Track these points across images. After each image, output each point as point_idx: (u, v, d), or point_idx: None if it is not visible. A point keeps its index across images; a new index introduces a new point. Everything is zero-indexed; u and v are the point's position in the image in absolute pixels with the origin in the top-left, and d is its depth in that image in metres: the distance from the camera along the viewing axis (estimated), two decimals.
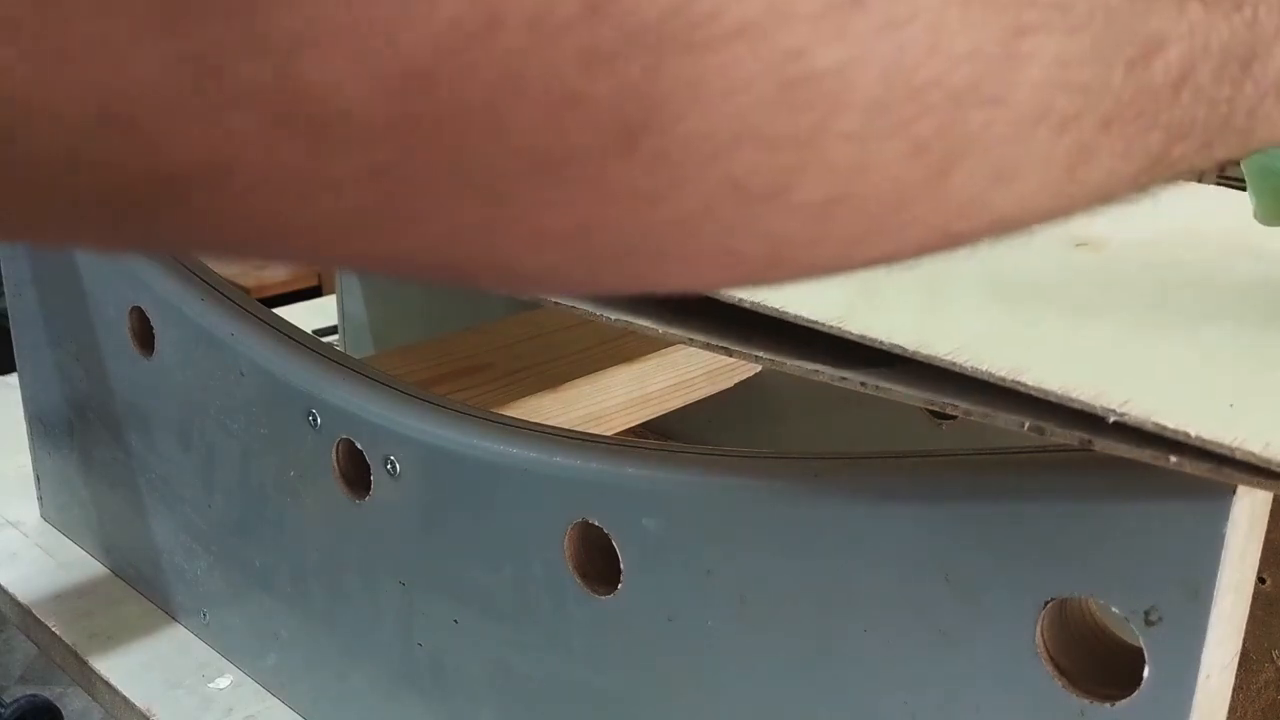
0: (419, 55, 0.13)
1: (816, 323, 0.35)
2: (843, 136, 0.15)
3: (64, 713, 1.32)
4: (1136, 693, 0.31)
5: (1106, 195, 0.20)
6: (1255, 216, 0.40)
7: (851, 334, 0.34)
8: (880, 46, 0.15)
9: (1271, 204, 0.40)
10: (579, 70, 0.13)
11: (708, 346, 0.37)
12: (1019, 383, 0.31)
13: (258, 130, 0.13)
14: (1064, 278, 0.39)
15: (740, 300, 0.36)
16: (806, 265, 0.18)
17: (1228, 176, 0.48)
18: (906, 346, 0.33)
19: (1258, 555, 0.31)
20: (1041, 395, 0.30)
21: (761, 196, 0.16)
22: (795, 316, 0.35)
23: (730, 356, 0.37)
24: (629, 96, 0.14)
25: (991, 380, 0.31)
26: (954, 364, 0.32)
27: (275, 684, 0.61)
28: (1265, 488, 0.28)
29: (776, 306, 0.35)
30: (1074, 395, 0.30)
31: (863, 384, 0.34)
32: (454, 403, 0.49)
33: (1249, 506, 0.30)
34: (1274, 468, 0.27)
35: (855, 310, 0.35)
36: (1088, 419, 0.30)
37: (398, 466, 0.49)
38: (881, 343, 0.33)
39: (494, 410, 0.51)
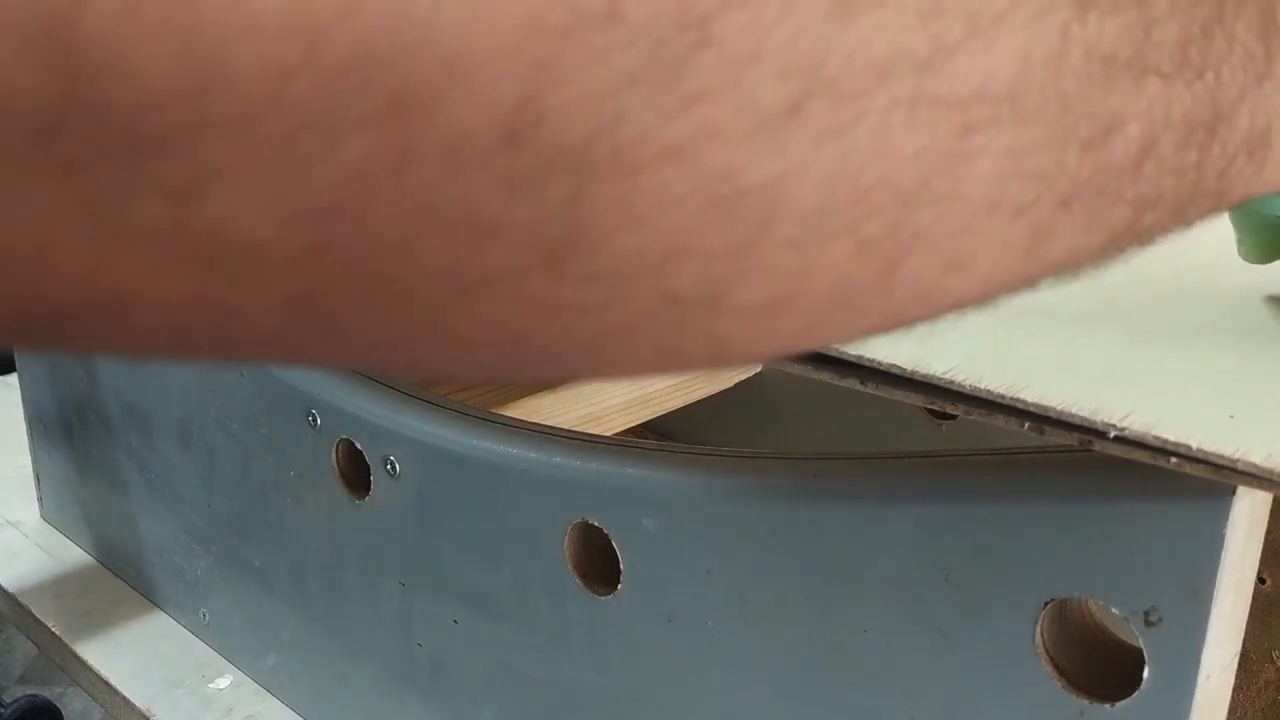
0: (324, 193, 0.12)
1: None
2: (782, 243, 0.15)
3: (64, 713, 1.32)
4: (1136, 693, 0.31)
5: (1072, 267, 0.20)
6: (1240, 254, 0.39)
7: (849, 355, 0.34)
8: (820, 155, 0.14)
9: (1256, 242, 0.39)
10: (498, 198, 0.13)
11: None
12: (1019, 399, 0.31)
13: (155, 267, 0.13)
14: (1059, 292, 0.39)
15: None
16: (752, 357, 0.17)
17: None
18: (905, 366, 0.33)
19: (1258, 555, 0.31)
20: (1041, 411, 0.30)
21: (699, 304, 0.15)
22: None
23: None
24: (552, 221, 0.13)
25: (990, 398, 0.31)
26: (952, 382, 0.32)
27: (275, 684, 0.61)
28: (1266, 489, 0.28)
29: None
30: (1074, 410, 0.30)
31: (862, 383, 0.34)
32: (454, 403, 0.49)
33: (1249, 507, 0.30)
34: (1275, 477, 0.27)
35: None
36: (1089, 432, 0.30)
37: (397, 466, 0.49)
38: (879, 363, 0.33)
39: (494, 410, 0.51)
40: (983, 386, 0.32)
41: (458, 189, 0.13)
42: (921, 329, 0.19)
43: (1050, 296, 0.39)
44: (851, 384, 0.34)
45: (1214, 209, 0.22)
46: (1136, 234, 0.20)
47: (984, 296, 0.19)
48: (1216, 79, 0.19)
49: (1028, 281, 0.19)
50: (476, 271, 0.14)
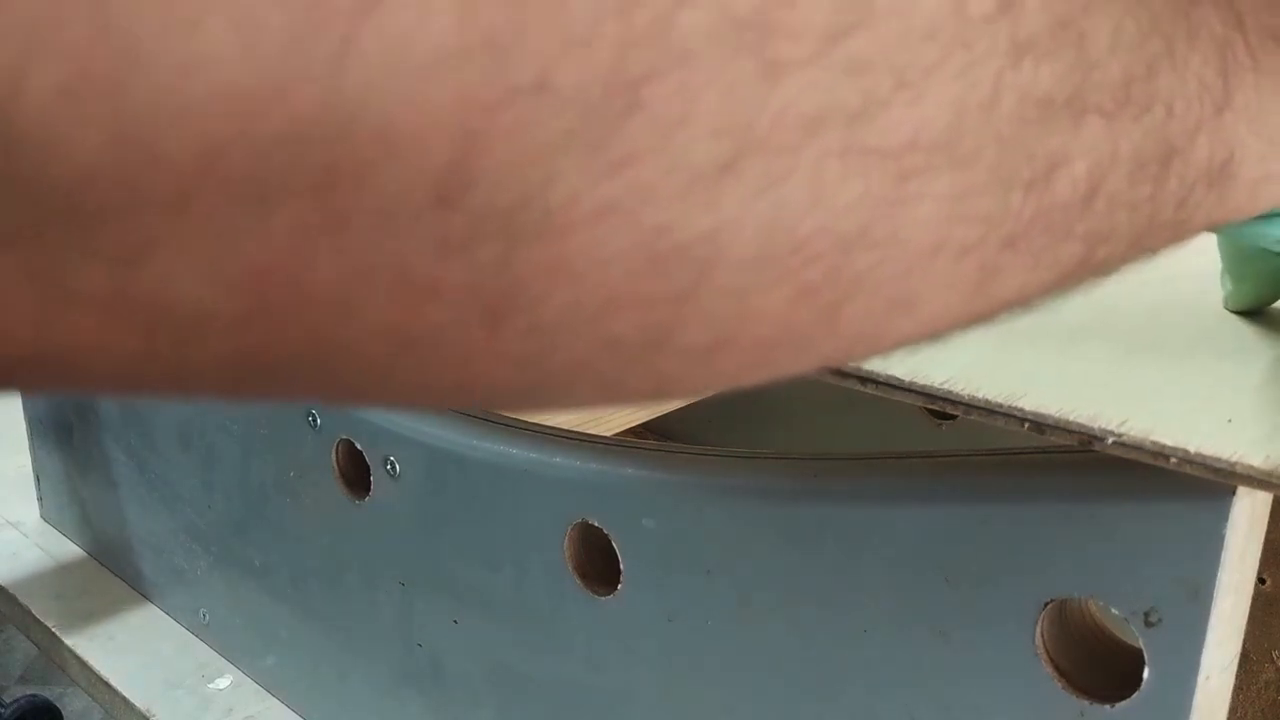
0: (262, 257, 0.13)
1: None
2: (722, 291, 0.15)
3: (64, 713, 1.32)
4: (1136, 694, 0.31)
5: (1024, 302, 0.20)
6: (1225, 304, 0.39)
7: (846, 366, 0.34)
8: (756, 208, 0.14)
9: (1249, 290, 0.38)
10: (431, 259, 0.13)
11: None
12: (1016, 408, 0.31)
13: (101, 329, 0.13)
14: (1056, 301, 0.39)
15: None
16: (697, 392, 0.18)
17: None
18: (902, 377, 0.33)
19: (1258, 555, 0.31)
20: (1039, 419, 0.31)
21: (640, 349, 0.15)
22: None
23: None
24: (488, 281, 0.14)
25: (989, 407, 0.31)
26: (950, 392, 0.32)
27: (275, 684, 0.61)
28: (1265, 490, 0.28)
29: None
30: (1071, 418, 0.30)
31: (862, 384, 0.34)
32: None
33: (1249, 507, 0.30)
34: (1275, 480, 0.27)
35: None
36: (1087, 439, 0.30)
37: (398, 467, 0.49)
38: (877, 374, 0.33)
39: (494, 410, 0.51)
40: (980, 396, 0.32)
41: (391, 251, 0.13)
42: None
43: (1045, 307, 0.40)
44: (852, 385, 0.34)
45: (1175, 239, 0.22)
46: (1091, 267, 0.20)
47: (933, 334, 0.19)
48: (1168, 113, 0.20)
49: (978, 318, 0.19)
50: (415, 330, 0.14)
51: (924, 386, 0.33)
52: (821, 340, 0.17)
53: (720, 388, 0.18)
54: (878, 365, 0.34)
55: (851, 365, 0.34)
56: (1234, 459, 0.28)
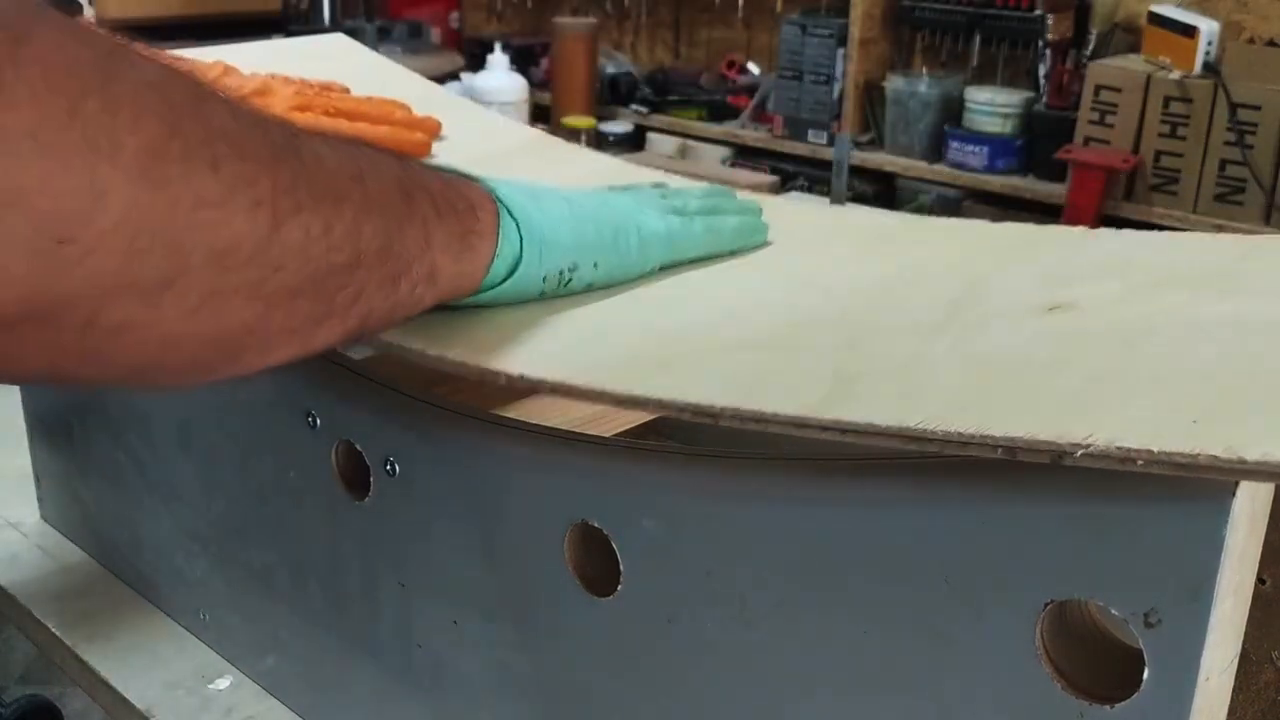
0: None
1: (795, 418, 0.36)
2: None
3: (64, 713, 1.32)
4: (1136, 695, 0.31)
5: (345, 341, 0.40)
6: None
7: (825, 420, 0.35)
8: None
9: None
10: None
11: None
12: (988, 437, 0.32)
13: None
14: (1036, 341, 0.40)
15: (720, 409, 0.37)
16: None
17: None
18: (881, 424, 0.34)
19: (1258, 556, 0.32)
20: (1010, 444, 0.31)
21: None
22: (774, 416, 0.36)
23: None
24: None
25: (960, 440, 0.32)
26: (925, 431, 0.33)
27: (275, 684, 0.61)
28: (1228, 477, 0.29)
29: (755, 409, 0.37)
30: (1040, 438, 0.31)
31: (841, 434, 0.35)
32: (454, 403, 0.49)
33: (1249, 507, 0.30)
34: (1235, 466, 0.28)
35: (832, 399, 0.36)
36: (1057, 454, 0.31)
37: (397, 467, 0.49)
38: (858, 424, 0.35)
39: (494, 410, 0.51)
40: (954, 430, 0.32)
41: None
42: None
43: (1025, 347, 0.40)
44: (832, 437, 0.35)
45: (414, 308, 0.42)
46: (368, 327, 0.40)
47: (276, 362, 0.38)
48: (398, 257, 0.40)
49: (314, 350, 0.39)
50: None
51: (900, 429, 0.34)
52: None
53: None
54: (859, 415, 0.35)
55: (830, 417, 0.35)
56: (1195, 451, 0.28)
